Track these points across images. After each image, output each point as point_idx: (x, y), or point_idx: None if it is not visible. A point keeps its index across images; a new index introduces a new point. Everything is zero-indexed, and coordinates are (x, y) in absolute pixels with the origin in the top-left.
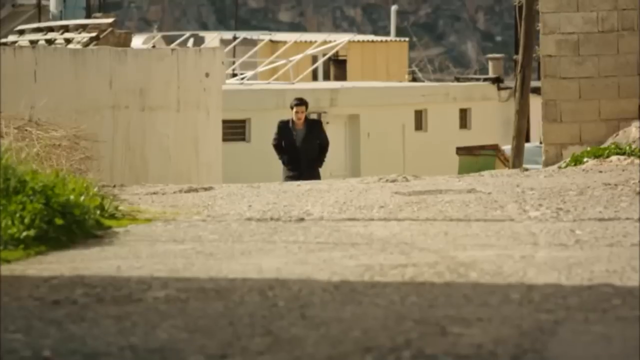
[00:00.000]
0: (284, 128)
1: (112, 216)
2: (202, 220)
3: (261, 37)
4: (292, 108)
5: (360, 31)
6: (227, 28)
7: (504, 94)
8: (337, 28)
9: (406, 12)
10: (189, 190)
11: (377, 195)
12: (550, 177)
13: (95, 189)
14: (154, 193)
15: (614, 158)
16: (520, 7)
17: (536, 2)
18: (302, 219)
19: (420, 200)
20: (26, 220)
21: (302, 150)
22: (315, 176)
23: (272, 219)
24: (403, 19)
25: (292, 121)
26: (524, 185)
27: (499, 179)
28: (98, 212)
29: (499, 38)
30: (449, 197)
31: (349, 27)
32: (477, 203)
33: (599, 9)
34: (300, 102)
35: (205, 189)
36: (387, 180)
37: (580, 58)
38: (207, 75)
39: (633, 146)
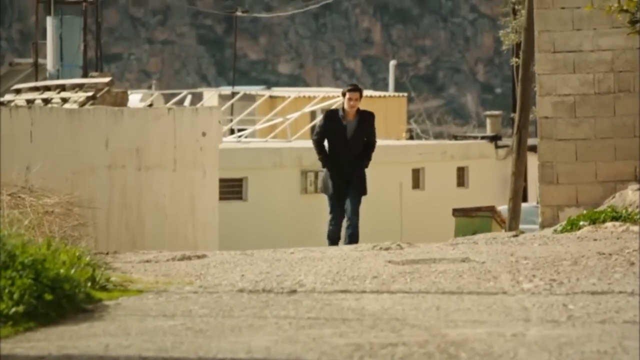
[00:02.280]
0: (332, 118)
1: (103, 288)
2: (194, 292)
3: (260, 92)
4: (344, 95)
5: (360, 83)
6: (227, 80)
7: (502, 152)
8: (336, 80)
9: (406, 64)
10: (182, 258)
11: (370, 264)
12: (544, 245)
13: (88, 258)
14: (147, 261)
15: (609, 224)
16: (518, 67)
17: (533, 63)
18: (294, 291)
19: (413, 270)
20: (15, 296)
21: (351, 145)
22: (362, 181)
23: (264, 290)
24: (403, 71)
25: (343, 110)
26: (518, 254)
27: (493, 247)
28: (89, 284)
29: (498, 90)
30: (443, 266)
31: (349, 79)
32: (470, 273)
33: (596, 71)
34: (355, 88)
35: (199, 257)
36: (381, 248)
37: (576, 120)
38: (203, 134)
39: (629, 210)
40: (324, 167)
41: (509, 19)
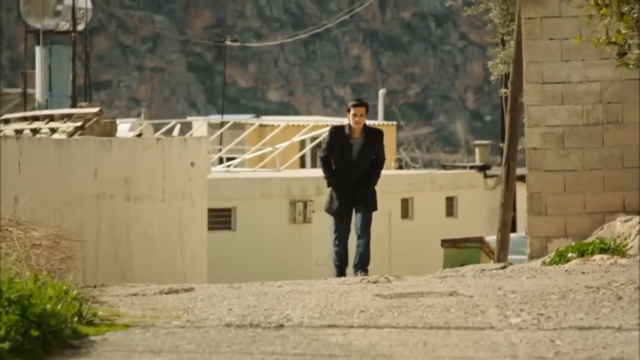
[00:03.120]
0: (338, 135)
1: (90, 322)
2: (181, 327)
3: (249, 121)
4: (348, 111)
5: None
6: (216, 107)
7: (491, 181)
8: (326, 107)
9: (395, 92)
10: (170, 292)
11: (358, 298)
12: (532, 278)
13: (75, 292)
14: (134, 294)
15: (597, 257)
16: (506, 98)
17: (521, 94)
18: (281, 326)
19: (401, 304)
20: (1, 333)
21: (357, 164)
22: (371, 198)
23: (251, 325)
24: (392, 99)
25: (349, 127)
26: (506, 287)
27: (481, 280)
28: (76, 319)
29: (488, 118)
30: (430, 300)
31: (339, 106)
32: (458, 308)
33: (584, 102)
34: (360, 103)
35: (186, 290)
36: (368, 282)
37: (565, 151)
38: (192, 164)
39: (618, 241)
40: (329, 186)
41: (498, 49)
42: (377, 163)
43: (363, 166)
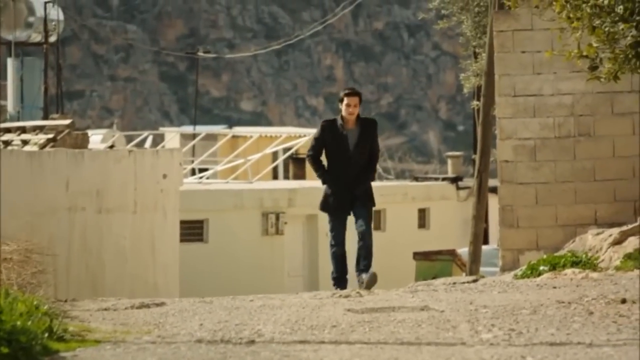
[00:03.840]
0: (330, 128)
1: (60, 338)
2: (152, 342)
3: (222, 132)
4: (341, 101)
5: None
6: (189, 117)
7: (463, 193)
8: (299, 117)
9: (368, 102)
10: (141, 306)
11: (329, 313)
12: (504, 292)
13: (45, 307)
14: (105, 309)
15: (569, 271)
16: (479, 111)
17: (493, 107)
18: (252, 341)
19: (372, 319)
20: None
21: (353, 157)
22: (369, 193)
23: (222, 340)
24: (365, 108)
25: (342, 118)
26: (478, 302)
27: (453, 295)
28: (46, 335)
29: (461, 128)
30: (402, 315)
31: (311, 116)
32: (429, 323)
33: (556, 115)
34: (353, 92)
35: (157, 305)
36: (340, 296)
37: (537, 164)
38: (164, 176)
39: (589, 254)
40: (323, 183)
41: (470, 62)
42: (373, 156)
43: (359, 159)
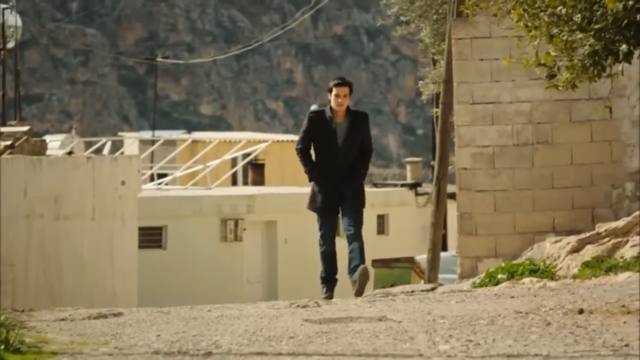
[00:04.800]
0: (318, 120)
1: (16, 350)
2: (109, 354)
3: (181, 137)
4: (329, 91)
5: (282, 125)
6: (148, 121)
7: (422, 199)
8: (258, 121)
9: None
10: (98, 316)
11: (287, 323)
12: (461, 302)
13: (2, 318)
14: (63, 319)
15: (526, 280)
16: (437, 118)
17: (452, 114)
18: (209, 353)
19: (330, 330)
20: None
21: (343, 151)
22: (359, 193)
23: (179, 352)
24: None
25: (331, 110)
26: (435, 312)
27: (411, 304)
28: (2, 347)
29: (420, 132)
30: (359, 326)
31: (271, 119)
32: (387, 334)
33: (514, 123)
34: (343, 82)
35: (115, 315)
36: (298, 306)
37: (495, 171)
38: (122, 183)
39: (547, 262)
40: (311, 180)
41: (429, 69)
42: (365, 152)
43: (349, 154)
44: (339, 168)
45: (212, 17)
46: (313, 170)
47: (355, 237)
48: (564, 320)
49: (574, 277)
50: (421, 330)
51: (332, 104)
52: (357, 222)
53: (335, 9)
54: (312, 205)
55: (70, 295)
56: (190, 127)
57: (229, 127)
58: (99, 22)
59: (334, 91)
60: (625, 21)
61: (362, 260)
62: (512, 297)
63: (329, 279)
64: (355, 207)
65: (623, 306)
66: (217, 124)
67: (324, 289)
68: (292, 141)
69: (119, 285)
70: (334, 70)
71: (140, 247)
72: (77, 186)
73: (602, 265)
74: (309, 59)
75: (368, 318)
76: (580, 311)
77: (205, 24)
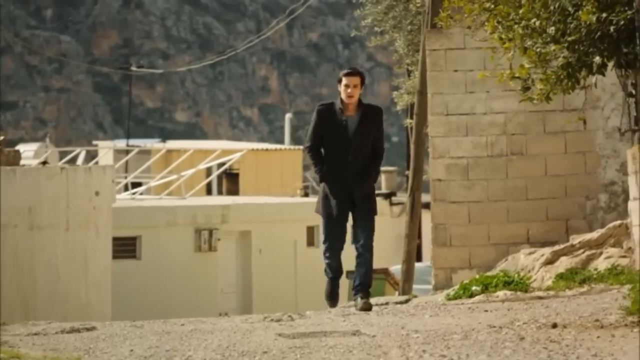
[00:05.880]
0: (327, 114)
1: None
2: None
3: (156, 146)
4: (339, 82)
5: (257, 132)
6: (123, 127)
7: (397, 209)
8: (233, 128)
9: (303, 112)
10: (72, 331)
11: (261, 338)
12: (435, 316)
13: None
14: (36, 334)
15: (500, 293)
16: (412, 129)
17: (426, 125)
18: None
19: (304, 345)
20: None
21: (354, 148)
22: (371, 198)
23: None
24: (300, 119)
25: (341, 102)
26: (409, 326)
27: (384, 318)
28: None
29: (395, 139)
30: (333, 340)
31: (246, 127)
32: (360, 348)
33: (488, 134)
34: (354, 72)
35: (88, 329)
36: (272, 320)
37: (469, 182)
38: (96, 193)
39: (521, 274)
40: (321, 181)
41: (403, 79)
42: (377, 153)
43: (360, 151)
44: (349, 166)
45: (187, 24)
46: (323, 169)
47: (365, 250)
48: (538, 335)
49: (548, 289)
50: (395, 345)
51: (342, 95)
52: (369, 231)
53: (310, 17)
54: (320, 209)
55: (43, 306)
56: (165, 135)
57: (203, 135)
58: (74, 29)
59: (344, 81)
60: (599, 33)
61: (367, 281)
62: (486, 310)
63: (331, 296)
64: (366, 215)
65: (597, 320)
66: (192, 131)
67: (328, 305)
68: (267, 150)
69: (93, 295)
70: (309, 78)
71: (114, 257)
72: (51, 197)
73: (576, 277)
74: (284, 66)
75: (342, 332)
76: (554, 325)
77: (180, 31)
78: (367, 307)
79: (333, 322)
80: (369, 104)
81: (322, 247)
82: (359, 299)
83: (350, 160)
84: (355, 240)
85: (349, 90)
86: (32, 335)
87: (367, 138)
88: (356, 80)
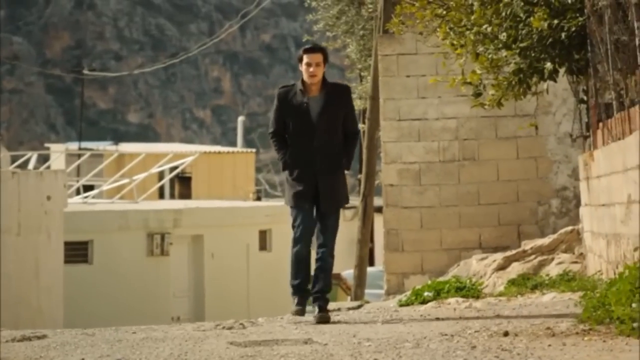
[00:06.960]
0: (287, 96)
1: None
2: None
3: (108, 148)
4: (300, 60)
5: (210, 133)
6: (76, 129)
7: (349, 213)
8: (186, 130)
9: (256, 114)
10: (22, 339)
11: (212, 346)
12: (387, 323)
13: None
14: None
15: (452, 300)
16: (364, 134)
17: (378, 130)
18: None
19: (255, 353)
20: None
21: (319, 131)
22: (339, 188)
23: None
24: (252, 121)
25: (302, 83)
26: (361, 335)
27: (336, 326)
28: None
29: None
30: (285, 349)
31: (199, 128)
32: (312, 357)
33: (441, 139)
34: (316, 48)
35: (39, 338)
36: (223, 328)
37: (421, 187)
38: (48, 198)
39: (473, 280)
40: (284, 169)
41: (355, 84)
42: (349, 135)
43: (326, 134)
44: (316, 152)
45: (140, 25)
46: (285, 156)
47: (325, 251)
48: (489, 344)
49: (500, 295)
50: (347, 353)
51: (304, 75)
52: (327, 227)
53: (263, 18)
54: (288, 199)
55: None
56: (117, 136)
57: (156, 136)
58: (26, 30)
59: (305, 59)
60: (550, 40)
61: (326, 286)
62: (438, 318)
63: (299, 289)
64: (329, 208)
65: (548, 328)
66: (144, 132)
67: (295, 301)
68: (219, 153)
69: (44, 301)
70: (261, 79)
71: (66, 262)
72: (2, 201)
73: (527, 283)
74: (236, 67)
75: (294, 340)
76: (506, 334)
77: (132, 32)
78: (324, 320)
79: (285, 330)
80: (335, 82)
81: (292, 233)
82: (316, 311)
83: (317, 145)
84: (316, 239)
85: (311, 69)
86: None
87: (335, 120)
88: (318, 57)
